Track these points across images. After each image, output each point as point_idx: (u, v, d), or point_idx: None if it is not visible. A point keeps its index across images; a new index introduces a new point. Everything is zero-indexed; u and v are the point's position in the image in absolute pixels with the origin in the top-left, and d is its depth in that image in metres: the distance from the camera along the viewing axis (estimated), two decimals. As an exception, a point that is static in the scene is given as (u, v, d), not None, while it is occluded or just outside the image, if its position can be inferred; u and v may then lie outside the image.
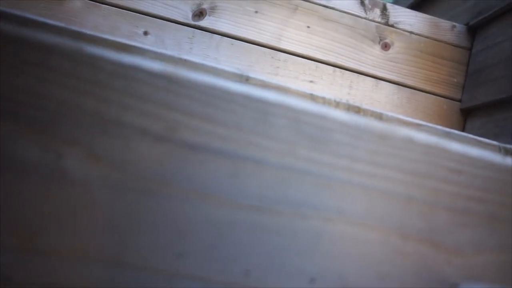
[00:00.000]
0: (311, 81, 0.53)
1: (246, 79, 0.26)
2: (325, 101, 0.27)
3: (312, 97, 0.26)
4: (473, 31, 0.57)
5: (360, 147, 0.17)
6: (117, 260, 0.16)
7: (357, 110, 0.28)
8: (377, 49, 0.55)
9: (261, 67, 0.52)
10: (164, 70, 0.16)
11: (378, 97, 0.54)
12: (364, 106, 0.26)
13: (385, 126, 0.18)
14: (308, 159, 0.17)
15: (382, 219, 0.17)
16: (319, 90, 0.53)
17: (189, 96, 0.16)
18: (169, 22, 0.52)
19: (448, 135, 0.22)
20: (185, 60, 0.23)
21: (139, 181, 0.16)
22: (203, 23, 0.52)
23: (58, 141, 0.15)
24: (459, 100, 0.54)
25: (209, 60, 0.53)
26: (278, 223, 0.16)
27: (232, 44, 0.52)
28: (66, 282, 0.16)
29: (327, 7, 0.55)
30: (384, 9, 0.58)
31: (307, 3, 0.54)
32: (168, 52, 0.24)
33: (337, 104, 0.26)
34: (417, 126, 0.22)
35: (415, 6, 0.72)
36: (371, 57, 0.55)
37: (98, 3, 0.51)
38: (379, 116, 0.27)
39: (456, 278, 0.17)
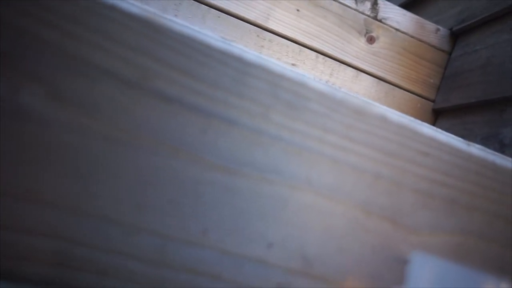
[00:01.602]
0: (293, 64, 0.53)
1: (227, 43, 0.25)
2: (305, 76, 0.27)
3: (293, 70, 0.26)
4: (455, 36, 0.58)
5: (334, 120, 0.17)
6: (75, 207, 0.15)
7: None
8: (362, 41, 0.55)
9: (245, 43, 0.51)
10: (143, 13, 0.15)
11: (357, 89, 0.54)
12: (342, 89, 0.26)
13: (361, 102, 0.18)
14: (281, 125, 0.17)
15: (349, 193, 0.17)
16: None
17: (166, 44, 0.15)
18: (155, -14, 0.50)
19: (419, 122, 0.22)
20: (167, 18, 0.22)
21: (104, 127, 0.15)
22: (191, -9, 0.50)
23: (18, 75, 0.14)
24: (433, 101, 0.56)
25: (193, 29, 0.51)
26: (244, 186, 0.16)
27: (219, 17, 0.51)
28: (17, 224, 0.15)
29: (318, -8, 0.54)
30: (375, 3, 0.58)
31: (299, -15, 0.53)
32: (149, 8, 0.23)
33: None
34: (390, 111, 0.23)
35: (405, 5, 0.73)
36: (355, 48, 0.55)
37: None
38: (356, 97, 0.27)
39: (408, 255, 0.17)
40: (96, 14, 0.15)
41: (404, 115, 0.23)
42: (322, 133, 0.17)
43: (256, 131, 0.16)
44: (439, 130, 0.24)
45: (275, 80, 0.17)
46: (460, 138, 0.27)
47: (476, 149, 0.19)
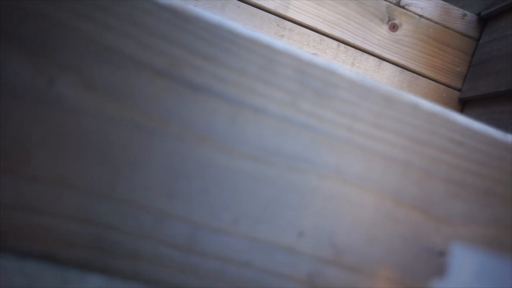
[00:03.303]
0: (314, 53, 0.52)
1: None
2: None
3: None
4: (483, 21, 0.56)
5: (364, 107, 0.17)
6: (106, 193, 0.15)
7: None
8: (384, 29, 0.54)
9: (265, 33, 0.51)
10: (171, 3, 0.15)
11: (380, 78, 0.53)
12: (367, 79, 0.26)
13: (391, 90, 0.17)
14: (310, 113, 0.16)
15: (379, 182, 0.17)
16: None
17: (194, 33, 0.15)
18: (174, -24, 0.50)
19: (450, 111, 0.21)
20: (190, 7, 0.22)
21: (135, 116, 0.15)
22: (210, -19, 0.50)
23: (52, 64, 0.15)
24: (459, 90, 0.54)
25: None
26: (273, 175, 0.16)
27: (238, 7, 0.51)
28: (51, 210, 0.15)
29: (339, -21, 0.53)
30: (397, -11, 0.56)
31: (320, -27, 0.52)
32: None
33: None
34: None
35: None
36: (377, 37, 0.54)
37: None
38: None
39: (443, 246, 0.17)
40: (127, 4, 0.15)
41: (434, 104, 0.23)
42: (351, 121, 0.17)
43: (285, 119, 0.16)
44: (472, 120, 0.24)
45: (303, 68, 0.16)
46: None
47: (512, 138, 0.19)
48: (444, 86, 0.54)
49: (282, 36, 0.52)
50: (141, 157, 0.15)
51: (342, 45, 0.53)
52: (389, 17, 0.54)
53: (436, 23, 0.55)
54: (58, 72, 0.15)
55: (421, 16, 0.55)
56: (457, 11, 0.55)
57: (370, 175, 0.17)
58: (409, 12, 0.55)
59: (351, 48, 0.53)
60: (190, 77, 0.15)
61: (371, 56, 0.53)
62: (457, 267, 0.13)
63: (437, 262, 0.17)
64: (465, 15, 0.55)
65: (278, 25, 0.51)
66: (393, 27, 0.54)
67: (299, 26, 0.52)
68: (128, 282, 0.15)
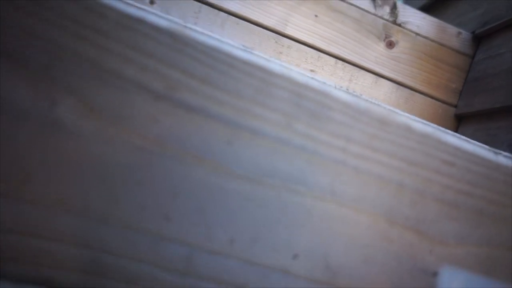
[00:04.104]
0: (312, 70, 0.53)
1: (251, 53, 0.26)
2: (326, 84, 0.27)
3: (315, 79, 0.26)
4: (478, 39, 0.57)
5: (358, 129, 0.17)
6: (104, 216, 0.15)
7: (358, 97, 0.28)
8: (381, 46, 0.55)
9: (264, 50, 0.52)
10: (169, 26, 0.16)
11: (377, 94, 0.54)
12: (363, 96, 0.26)
13: (385, 111, 0.18)
14: (305, 134, 0.17)
15: (373, 203, 0.17)
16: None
17: (192, 56, 0.16)
18: (175, -6, 0.51)
19: (444, 130, 0.22)
20: (189, 27, 0.22)
21: (133, 138, 0.15)
22: (210, -1, 0.51)
23: (54, 87, 0.15)
24: (455, 106, 0.55)
25: (212, 37, 0.52)
26: (268, 196, 0.16)
27: (237, 24, 0.52)
28: (50, 233, 0.15)
29: (336, -3, 0.54)
30: (394, 8, 0.57)
31: (317, -9, 0.54)
32: (172, 18, 0.23)
33: (338, 90, 0.26)
34: (413, 119, 0.22)
35: (425, 8, 0.72)
36: (374, 54, 0.54)
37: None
38: (378, 106, 0.26)
39: (436, 267, 0.17)
40: (126, 27, 0.15)
41: (428, 123, 0.23)
42: (346, 143, 0.17)
43: (280, 141, 0.16)
44: (466, 139, 0.24)
45: (298, 90, 0.17)
46: (487, 147, 0.27)
47: (504, 159, 0.19)
48: (440, 103, 0.55)
49: (281, 53, 0.53)
50: (139, 178, 0.15)
51: (340, 61, 0.53)
52: (385, 34, 0.55)
53: (432, 40, 0.56)
54: (60, 95, 0.15)
55: (417, 34, 0.56)
56: (452, 29, 0.56)
57: (364, 196, 0.17)
58: (405, 30, 0.56)
59: (348, 65, 0.53)
60: (187, 100, 0.16)
61: (368, 73, 0.54)
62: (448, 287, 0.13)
63: (431, 282, 0.17)
64: (460, 33, 0.56)
65: (276, 42, 0.52)
66: (390, 44, 0.55)
67: (297, 43, 0.53)
68: (124, 304, 0.15)
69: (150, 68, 0.15)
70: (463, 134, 0.54)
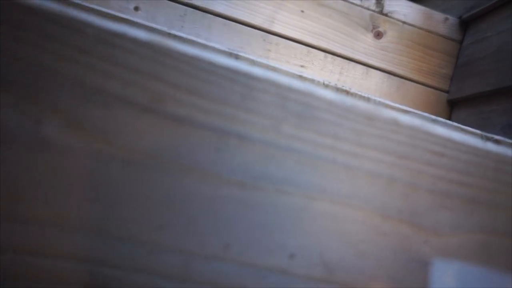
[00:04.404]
0: (302, 66, 0.53)
1: (235, 57, 0.26)
2: (313, 83, 0.27)
3: (301, 78, 0.26)
4: (465, 24, 0.57)
5: (345, 127, 0.17)
6: (98, 230, 0.15)
7: (346, 93, 0.28)
8: (369, 37, 0.55)
9: (253, 49, 0.52)
10: (150, 39, 0.16)
11: (368, 85, 0.54)
12: (353, 90, 0.26)
13: (371, 107, 0.18)
14: (292, 136, 0.17)
15: (364, 199, 0.17)
16: (309, 75, 0.53)
17: (174, 66, 0.16)
18: (160, -1, 0.50)
19: (431, 120, 0.22)
20: (173, 34, 0.22)
21: (121, 152, 0.15)
22: (196, 1, 0.51)
23: (38, 107, 0.15)
24: (447, 91, 0.55)
25: (200, 39, 0.52)
26: (260, 199, 0.16)
27: (224, 25, 0.51)
28: (46, 250, 0.15)
29: (321, -9, 0.54)
30: (379, -3, 0.57)
31: (302, -13, 0.53)
32: (155, 25, 0.23)
33: (325, 87, 0.26)
34: (402, 111, 0.23)
35: (409, -4, 0.72)
36: (363, 45, 0.55)
37: (86, -24, 0.49)
38: (367, 100, 0.27)
39: (432, 258, 0.17)
40: (106, 43, 0.15)
41: (418, 113, 0.23)
42: (334, 141, 0.17)
43: (268, 144, 0.17)
44: (456, 125, 0.24)
45: (283, 93, 0.17)
46: (478, 132, 0.27)
47: (493, 145, 0.19)
48: (432, 89, 0.55)
49: (269, 50, 0.53)
50: (130, 191, 0.15)
51: (329, 55, 0.53)
52: (373, 25, 0.55)
53: (420, 28, 0.56)
54: (45, 114, 0.15)
55: (404, 22, 0.56)
56: (438, 15, 0.56)
57: (356, 193, 0.17)
58: (392, 20, 0.56)
59: (338, 58, 0.53)
60: (173, 110, 0.16)
61: (358, 65, 0.54)
62: (440, 277, 0.13)
63: (427, 273, 0.17)
64: (447, 19, 0.57)
65: (264, 40, 0.52)
66: (378, 35, 0.55)
67: (285, 40, 0.53)
68: (122, 318, 0.15)
69: (133, 82, 0.15)
70: (457, 119, 0.54)
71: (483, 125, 0.48)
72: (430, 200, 0.18)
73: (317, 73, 0.53)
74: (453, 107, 0.54)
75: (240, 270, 0.16)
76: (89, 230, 0.16)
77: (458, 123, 0.55)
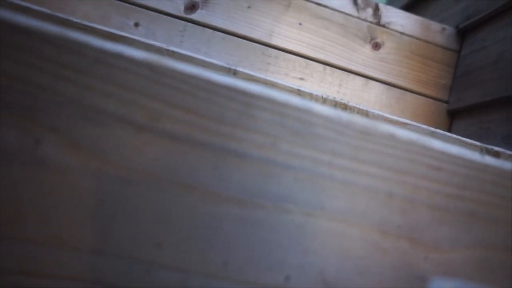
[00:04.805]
0: (301, 78, 0.53)
1: (233, 73, 0.26)
2: (312, 97, 0.27)
3: (300, 93, 0.26)
4: (462, 34, 0.57)
5: (342, 142, 0.17)
6: (97, 248, 0.15)
7: (344, 106, 0.28)
8: (367, 49, 0.55)
9: (252, 62, 0.52)
10: (147, 58, 0.16)
11: (368, 97, 0.54)
12: (351, 103, 0.26)
13: (368, 122, 0.18)
14: (290, 153, 0.17)
15: (363, 215, 0.17)
16: (309, 87, 0.53)
17: (172, 85, 0.16)
18: (160, 14, 0.51)
19: (429, 133, 0.22)
20: (171, 51, 0.22)
21: (119, 171, 0.16)
22: (195, 16, 0.52)
23: (37, 127, 0.15)
24: (446, 102, 0.55)
25: (200, 54, 0.52)
26: (259, 217, 0.16)
27: (223, 39, 0.52)
28: (44, 270, 0.15)
29: (319, 4, 0.55)
30: (376, 9, 0.58)
31: (300, 0, 0.54)
32: (154, 42, 0.23)
33: (324, 101, 0.26)
34: (400, 124, 0.23)
35: (407, 7, 0.73)
36: (361, 57, 0.55)
37: (88, -8, 0.50)
38: (365, 113, 0.27)
39: (432, 274, 0.17)
40: (104, 64, 0.15)
41: (414, 128, 0.23)
42: (331, 157, 0.17)
43: (266, 161, 0.17)
44: (453, 138, 0.24)
45: (280, 110, 0.17)
46: (476, 143, 0.27)
47: (491, 159, 0.19)
48: (432, 100, 0.55)
49: (269, 63, 0.53)
50: (128, 209, 0.15)
51: (328, 67, 0.54)
52: (371, 36, 0.56)
53: (418, 38, 0.57)
54: (43, 134, 0.15)
55: (402, 33, 0.56)
56: (436, 25, 0.57)
57: (354, 209, 0.17)
58: (390, 31, 0.56)
59: (337, 69, 0.54)
60: (171, 129, 0.16)
61: (357, 76, 0.54)
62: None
63: (428, 290, 0.17)
64: (444, 29, 0.57)
65: (263, 53, 0.53)
66: (376, 46, 0.56)
67: (284, 53, 0.53)
68: None
69: (131, 101, 0.16)
70: (456, 130, 0.54)
71: (483, 135, 0.48)
72: (429, 215, 0.18)
73: (316, 85, 0.53)
74: (453, 117, 0.55)
75: (239, 288, 0.16)
76: (86, 249, 0.16)
77: (458, 133, 0.55)
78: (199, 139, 0.16)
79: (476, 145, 0.26)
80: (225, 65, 0.28)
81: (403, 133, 0.18)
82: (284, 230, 0.17)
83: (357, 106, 0.29)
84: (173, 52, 0.24)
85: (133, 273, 0.16)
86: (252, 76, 0.27)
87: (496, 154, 0.27)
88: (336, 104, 0.28)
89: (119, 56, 0.16)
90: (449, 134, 0.28)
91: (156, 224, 0.16)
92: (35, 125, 0.15)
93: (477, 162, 0.18)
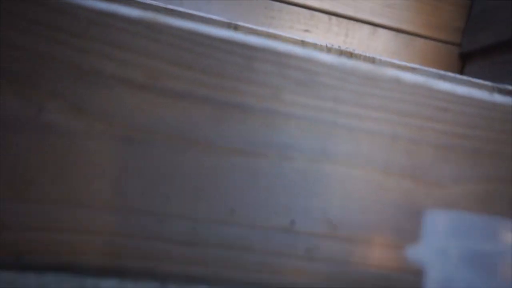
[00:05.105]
0: (306, 30, 0.51)
1: (234, 27, 0.25)
2: (316, 47, 0.26)
3: (303, 44, 0.25)
4: (477, -30, 0.54)
5: (346, 89, 0.17)
6: (108, 204, 0.16)
7: (349, 55, 0.27)
8: (375, -6, 0.53)
9: (255, 17, 0.50)
10: (142, 16, 0.16)
11: (375, 45, 0.52)
12: (357, 51, 0.26)
13: (373, 68, 0.18)
14: (293, 102, 0.17)
15: (367, 158, 0.18)
16: (314, 39, 0.51)
17: (169, 42, 0.16)
18: (157, -26, 0.49)
19: (437, 76, 0.21)
20: (169, 9, 0.22)
21: (123, 130, 0.16)
22: (193, -27, 0.50)
23: (39, 93, 0.16)
24: (459, 45, 0.53)
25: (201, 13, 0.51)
26: (263, 165, 0.17)
27: (224, -4, 0.50)
28: (63, 226, 0.16)
29: (322, -50, 0.52)
30: (383, -50, 0.55)
31: None
32: (151, 1, 0.23)
33: (329, 50, 0.25)
34: (407, 68, 0.22)
35: None
36: (369, 4, 0.53)
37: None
38: (372, 60, 0.26)
39: (433, 208, 0.18)
40: (99, 24, 0.15)
41: (421, 71, 0.23)
42: (334, 104, 0.17)
43: (269, 112, 0.17)
44: (463, 80, 0.24)
45: (282, 60, 0.17)
46: (488, 83, 0.26)
47: (500, 97, 0.19)
48: (443, 43, 0.53)
49: (273, 17, 0.51)
50: (135, 166, 0.16)
51: (334, 17, 0.52)
52: (378, -19, 0.53)
53: (428, -21, 0.54)
54: (46, 100, 0.16)
55: (411, -26, 0.53)
56: (448, -37, 0.53)
57: (357, 152, 0.17)
58: (398, -27, 0.53)
59: (343, 19, 0.52)
60: (171, 86, 0.16)
61: (364, 25, 0.52)
62: (436, 227, 0.13)
63: (428, 223, 0.18)
64: (457, -34, 0.54)
65: (266, 7, 0.51)
66: (384, -9, 0.53)
67: (287, 5, 0.51)
68: (139, 282, 0.16)
69: (129, 60, 0.16)
70: (469, 73, 0.52)
71: (497, 76, 0.46)
72: (433, 154, 0.18)
73: (322, 37, 0.51)
74: (466, 61, 0.52)
75: (246, 232, 0.17)
76: (99, 204, 0.16)
77: (471, 76, 0.53)
78: (200, 94, 0.16)
79: (487, 86, 0.26)
80: (225, 20, 0.27)
81: (409, 77, 0.18)
82: (288, 177, 0.17)
83: (363, 53, 0.28)
84: (171, 10, 0.23)
85: (146, 224, 0.17)
86: (253, 29, 0.26)
87: (510, 93, 0.26)
88: (341, 53, 0.27)
89: (113, 16, 0.15)
90: (458, 76, 0.27)
91: (163, 178, 0.16)
92: (36, 92, 0.16)
93: (486, 101, 0.18)
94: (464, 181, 0.18)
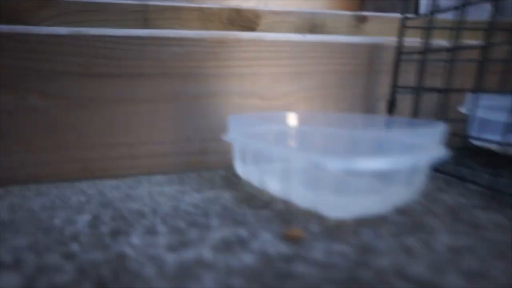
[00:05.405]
0: None
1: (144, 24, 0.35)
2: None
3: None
4: None
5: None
6: (70, 146, 0.27)
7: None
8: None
9: None
10: (70, 31, 0.26)
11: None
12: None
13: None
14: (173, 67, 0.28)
15: (227, 90, 0.29)
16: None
17: (95, 46, 0.26)
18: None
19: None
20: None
21: (76, 103, 0.27)
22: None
23: (22, 90, 0.26)
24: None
25: None
26: (161, 108, 0.28)
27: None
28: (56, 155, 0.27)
29: None
30: None
31: None
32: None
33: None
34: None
35: None
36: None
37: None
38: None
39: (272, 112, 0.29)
40: (45, 42, 0.25)
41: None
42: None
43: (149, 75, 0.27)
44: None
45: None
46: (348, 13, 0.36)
47: (310, 36, 0.30)
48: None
49: None
50: (84, 121, 0.27)
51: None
52: None
53: None
54: (26, 93, 0.26)
55: None
56: None
57: (225, 89, 0.28)
58: None
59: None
60: (99, 71, 0.26)
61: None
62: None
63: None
64: None
65: None
66: None
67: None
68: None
69: (71, 61, 0.26)
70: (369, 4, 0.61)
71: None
72: (269, 80, 0.29)
73: None
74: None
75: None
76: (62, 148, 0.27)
77: (370, 6, 0.61)
78: (117, 73, 0.27)
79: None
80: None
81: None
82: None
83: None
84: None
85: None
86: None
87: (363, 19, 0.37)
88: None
89: (51, 35, 0.25)
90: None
91: (107, 125, 0.27)
92: (20, 89, 0.26)
93: (296, 41, 0.29)
94: (291, 93, 0.29)
